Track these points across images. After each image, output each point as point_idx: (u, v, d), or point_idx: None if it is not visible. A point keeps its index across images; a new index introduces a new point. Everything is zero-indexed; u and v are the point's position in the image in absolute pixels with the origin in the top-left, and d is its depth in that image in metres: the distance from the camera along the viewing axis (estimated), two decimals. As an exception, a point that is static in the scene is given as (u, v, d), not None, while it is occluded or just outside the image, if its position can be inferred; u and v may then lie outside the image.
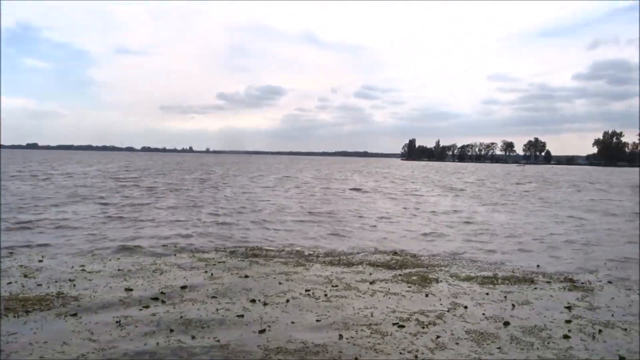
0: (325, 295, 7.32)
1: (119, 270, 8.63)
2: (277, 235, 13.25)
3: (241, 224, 14.92)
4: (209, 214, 16.87)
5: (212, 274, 8.46)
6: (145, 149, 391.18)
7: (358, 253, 11.15)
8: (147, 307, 6.55)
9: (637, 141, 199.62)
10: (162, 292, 7.23)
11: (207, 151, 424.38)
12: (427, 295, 7.48)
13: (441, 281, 8.49)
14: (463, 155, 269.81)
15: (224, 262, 9.47)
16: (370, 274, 8.87)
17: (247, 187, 30.88)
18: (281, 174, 52.23)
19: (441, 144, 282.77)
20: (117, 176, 40.07)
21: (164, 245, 11.06)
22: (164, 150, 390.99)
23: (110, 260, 9.51)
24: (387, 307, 6.80)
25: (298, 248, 11.59)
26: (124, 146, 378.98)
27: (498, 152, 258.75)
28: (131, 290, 7.34)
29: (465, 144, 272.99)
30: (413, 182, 45.15)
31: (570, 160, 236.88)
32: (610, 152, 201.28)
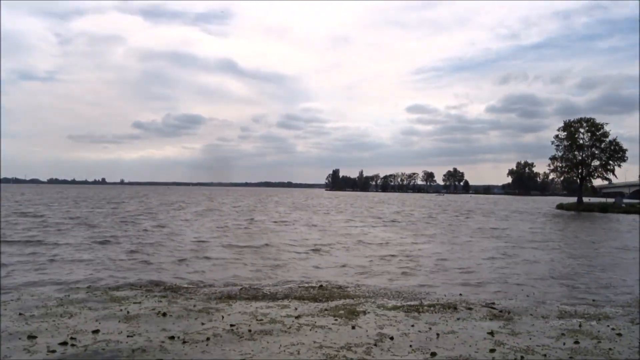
0: (250, 331, 7.12)
1: (20, 314, 7.97)
2: (198, 271, 12.98)
3: (159, 260, 14.52)
4: (124, 251, 16.33)
5: (127, 313, 8.07)
6: (52, 181, 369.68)
7: (283, 286, 11.08)
8: (53, 351, 6.09)
9: (547, 171, 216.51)
10: (71, 337, 6.70)
11: (122, 183, 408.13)
12: (353, 328, 7.42)
13: (368, 312, 8.55)
14: (386, 185, 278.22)
15: (139, 301, 9.10)
16: (296, 308, 8.77)
17: (165, 221, 30.16)
18: (202, 206, 51.69)
19: (364, 174, 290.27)
20: (19, 209, 37.46)
21: (71, 288, 10.40)
22: (74, 182, 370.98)
23: (10, 302, 8.80)
24: (314, 342, 6.66)
25: (220, 283, 11.36)
26: (28, 178, 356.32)
27: (419, 182, 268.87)
28: (35, 337, 6.72)
29: (388, 174, 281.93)
30: (340, 212, 45.63)
31: (487, 190, 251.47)
32: (524, 181, 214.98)
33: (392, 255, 16.87)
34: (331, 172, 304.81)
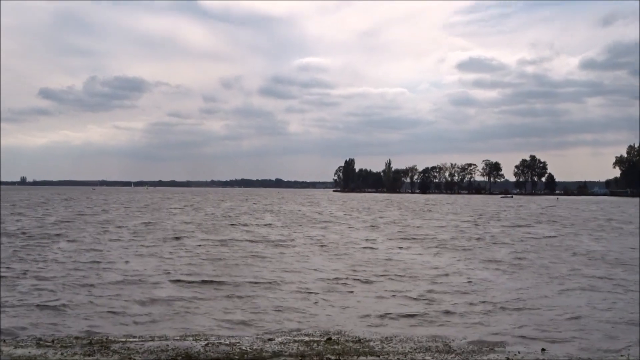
0: None
1: None
2: (139, 318, 13.24)
3: (80, 302, 14.81)
4: (29, 288, 16.62)
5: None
6: None
7: (271, 340, 11.05)
8: None
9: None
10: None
11: (23, 182, 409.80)
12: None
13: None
14: (427, 182, 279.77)
15: (50, 362, 8.88)
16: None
17: (88, 242, 30.55)
18: (144, 219, 52.21)
19: (393, 167, 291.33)
20: None
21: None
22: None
23: None
24: None
25: (174, 337, 11.45)
26: None
27: (478, 177, 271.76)
28: None
29: (430, 165, 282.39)
30: (355, 225, 45.53)
31: (582, 189, 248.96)
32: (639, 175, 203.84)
33: (445, 292, 17.04)
34: (342, 163, 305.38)
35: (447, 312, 14.07)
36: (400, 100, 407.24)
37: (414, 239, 34.99)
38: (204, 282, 18.35)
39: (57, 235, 33.84)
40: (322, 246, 29.72)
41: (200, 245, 29.01)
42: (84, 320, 13.04)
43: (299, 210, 74.23)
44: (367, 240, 33.73)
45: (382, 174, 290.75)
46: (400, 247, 29.84)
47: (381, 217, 60.45)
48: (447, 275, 20.43)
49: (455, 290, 17.28)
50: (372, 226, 46.23)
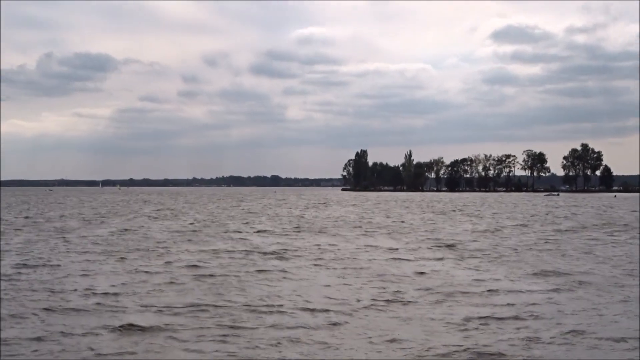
0: None
1: None
2: (101, 357, 12.86)
3: (32, 333, 14.52)
4: None
5: None
6: None
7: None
8: None
9: None
10: None
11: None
12: None
13: None
14: (456, 178, 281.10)
15: None
16: None
17: (46, 253, 30.52)
18: (117, 225, 52.23)
19: (414, 159, 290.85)
20: None
21: None
22: None
23: None
24: None
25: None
26: None
27: (518, 171, 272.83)
28: None
29: (459, 158, 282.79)
30: (376, 230, 44.99)
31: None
32: None
33: (499, 319, 16.60)
34: (353, 156, 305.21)
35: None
36: (423, 79, 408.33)
37: (449, 247, 35.05)
38: (187, 306, 18.13)
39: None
40: (333, 259, 29.57)
41: (182, 259, 28.97)
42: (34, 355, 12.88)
43: (302, 216, 73.67)
44: (390, 250, 33.57)
45: (401, 168, 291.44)
46: (434, 259, 29.80)
47: (403, 222, 60.18)
48: (494, 291, 20.61)
49: (510, 315, 16.94)
50: (393, 232, 46.13)
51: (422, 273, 24.80)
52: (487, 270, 25.80)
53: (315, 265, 27.60)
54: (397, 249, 34.30)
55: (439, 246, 35.54)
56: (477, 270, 25.99)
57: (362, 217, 68.23)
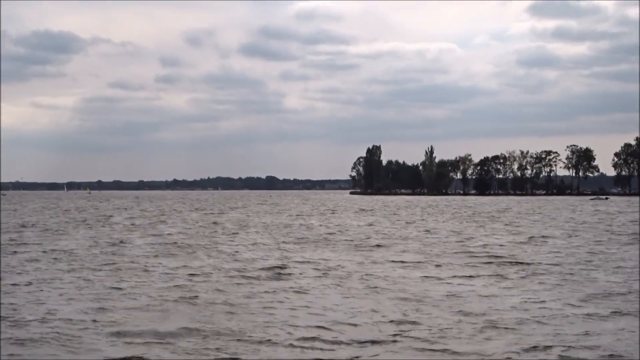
0: None
1: None
2: None
3: None
4: None
5: None
6: None
7: None
8: None
9: None
10: None
11: None
12: None
13: None
14: (485, 179, 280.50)
15: None
16: None
17: None
18: (85, 235, 53.03)
19: (437, 157, 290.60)
20: None
21: None
22: None
23: None
24: None
25: None
26: None
27: (561, 170, 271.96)
28: None
29: (490, 155, 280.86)
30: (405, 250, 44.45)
31: None
32: None
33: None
34: (363, 153, 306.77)
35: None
36: (447, 61, 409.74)
37: (488, 263, 34.84)
38: (166, 335, 18.07)
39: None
40: (347, 276, 29.68)
41: (161, 277, 29.24)
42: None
43: (305, 225, 73.30)
44: (416, 266, 33.41)
45: (420, 167, 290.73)
46: (471, 276, 29.87)
47: (427, 231, 60.16)
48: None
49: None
50: (418, 243, 46.22)
51: (455, 295, 24.62)
52: (534, 292, 25.56)
53: (325, 285, 27.56)
54: (422, 264, 34.51)
55: (478, 263, 35.05)
56: (523, 291, 25.74)
57: (375, 225, 69.13)
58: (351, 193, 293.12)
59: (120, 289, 25.99)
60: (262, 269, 32.29)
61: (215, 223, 74.49)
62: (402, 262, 35.25)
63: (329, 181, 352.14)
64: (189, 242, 48.00)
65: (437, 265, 33.77)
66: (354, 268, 32.74)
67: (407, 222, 75.03)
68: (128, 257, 37.29)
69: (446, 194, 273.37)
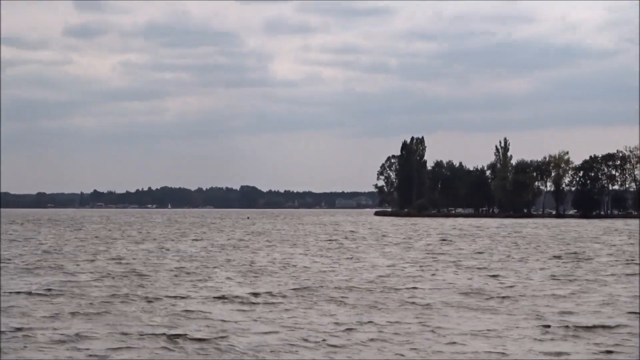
0: None
1: None
2: None
3: None
4: None
5: None
6: None
7: None
8: None
9: None
10: None
11: None
12: None
13: None
14: (590, 193, 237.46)
15: None
16: None
17: None
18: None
19: (512, 157, 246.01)
20: None
21: None
22: None
23: None
24: None
25: None
26: None
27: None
28: None
29: (599, 154, 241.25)
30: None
31: None
32: None
33: None
34: (395, 151, 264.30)
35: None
36: (532, 4, 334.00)
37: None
38: None
39: None
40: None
41: None
42: None
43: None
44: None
45: (488, 172, 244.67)
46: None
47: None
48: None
49: None
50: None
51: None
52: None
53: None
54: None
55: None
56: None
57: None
58: (376, 214, 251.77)
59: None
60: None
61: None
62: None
63: (342, 194, 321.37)
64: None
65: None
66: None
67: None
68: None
69: (529, 215, 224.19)
